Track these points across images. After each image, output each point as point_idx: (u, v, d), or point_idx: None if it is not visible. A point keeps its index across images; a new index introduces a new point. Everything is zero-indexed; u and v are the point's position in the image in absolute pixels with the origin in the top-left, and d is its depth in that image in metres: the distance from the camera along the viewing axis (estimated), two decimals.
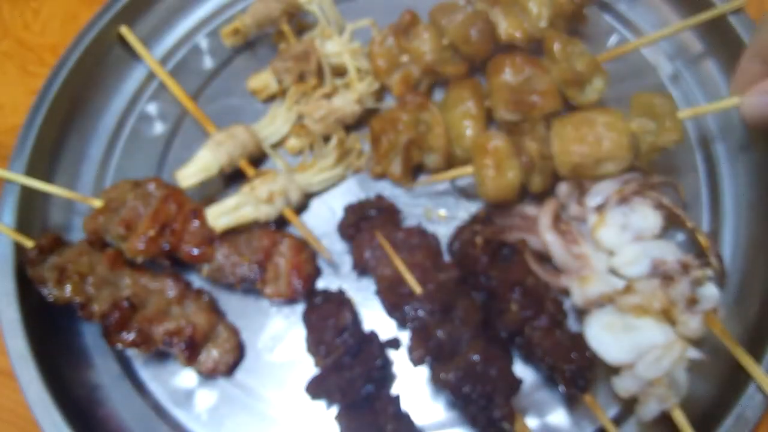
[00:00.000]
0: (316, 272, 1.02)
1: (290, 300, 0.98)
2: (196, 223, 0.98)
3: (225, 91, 1.19)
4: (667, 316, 0.85)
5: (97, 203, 1.01)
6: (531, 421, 0.89)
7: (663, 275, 0.86)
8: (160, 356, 0.98)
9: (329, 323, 0.92)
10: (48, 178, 1.07)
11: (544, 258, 0.95)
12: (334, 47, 1.13)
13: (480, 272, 0.91)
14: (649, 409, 0.82)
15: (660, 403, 0.82)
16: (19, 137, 1.06)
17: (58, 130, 1.11)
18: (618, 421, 0.89)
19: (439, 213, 1.06)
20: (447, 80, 1.11)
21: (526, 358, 0.92)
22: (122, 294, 0.96)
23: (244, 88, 1.18)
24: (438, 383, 0.84)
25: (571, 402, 0.91)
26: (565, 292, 0.92)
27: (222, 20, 1.26)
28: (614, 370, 0.85)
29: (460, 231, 0.98)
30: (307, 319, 0.95)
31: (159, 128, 1.17)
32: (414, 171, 1.08)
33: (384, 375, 0.91)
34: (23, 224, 1.01)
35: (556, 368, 0.85)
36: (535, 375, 0.92)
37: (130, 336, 0.91)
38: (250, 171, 1.05)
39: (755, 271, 0.96)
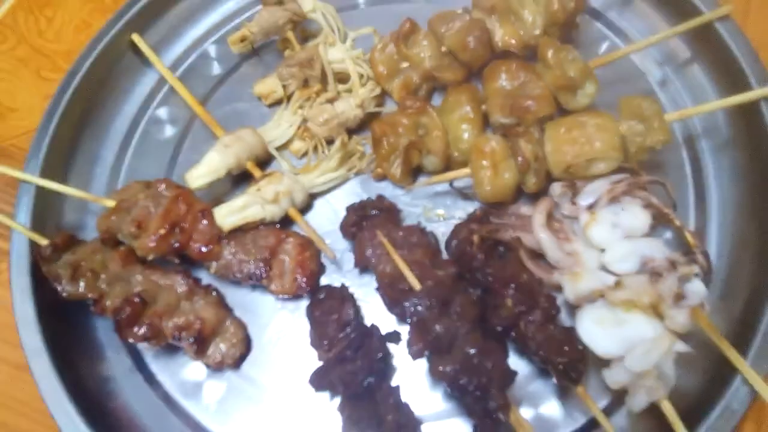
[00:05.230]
0: (320, 269, 1.04)
1: (295, 296, 1.01)
2: (204, 222, 1.00)
3: (232, 96, 1.22)
4: (655, 311, 0.87)
5: (110, 203, 1.03)
6: (525, 412, 0.91)
7: (651, 271, 0.88)
8: (170, 350, 1.00)
9: (332, 318, 0.94)
10: (62, 179, 1.09)
11: (538, 255, 0.97)
12: (337, 54, 1.16)
13: (476, 269, 0.94)
14: (638, 401, 0.84)
15: (649, 395, 0.84)
16: (34, 140, 1.09)
17: (72, 132, 1.14)
18: (609, 411, 0.92)
19: (438, 213, 1.09)
20: (445, 86, 1.14)
21: (520, 351, 0.94)
22: (134, 290, 0.98)
23: (251, 93, 1.21)
24: (436, 375, 0.86)
25: (564, 393, 0.93)
26: (558, 288, 0.94)
27: (229, 28, 1.29)
28: (605, 363, 0.87)
29: (458, 229, 1.00)
30: (311, 314, 0.97)
31: (169, 131, 1.20)
32: (413, 172, 1.11)
33: (384, 367, 0.93)
34: (38, 223, 1.04)
35: (549, 361, 0.87)
36: (530, 367, 0.95)
37: (141, 330, 0.93)
38: (256, 172, 1.08)
39: (740, 267, 0.99)
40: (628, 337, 0.85)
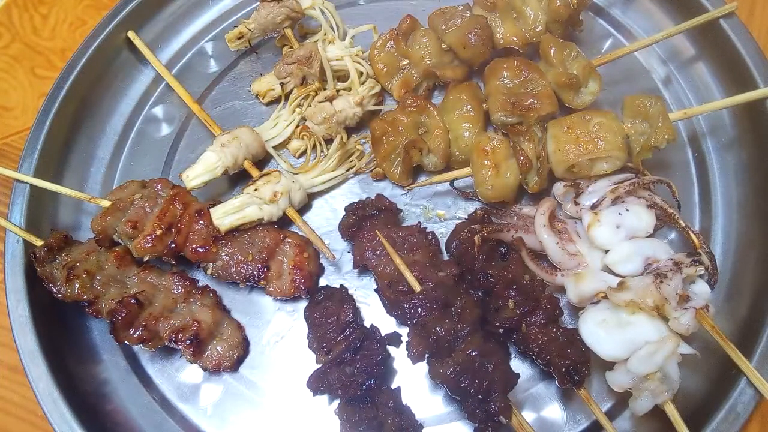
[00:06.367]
0: (319, 270, 1.03)
1: (293, 297, 0.99)
2: (201, 222, 1.00)
3: (229, 94, 1.21)
4: (659, 312, 0.86)
5: (105, 203, 1.02)
6: (527, 415, 0.90)
7: (656, 273, 0.87)
8: (167, 352, 0.99)
9: (331, 320, 0.93)
10: (57, 179, 1.09)
11: (540, 256, 0.96)
12: (335, 51, 1.15)
13: (478, 270, 0.93)
14: (642, 404, 0.84)
15: (653, 398, 0.83)
16: (29, 139, 1.08)
17: (67, 131, 1.13)
18: (612, 414, 0.91)
19: (438, 213, 1.08)
20: (446, 83, 1.13)
21: (522, 353, 0.93)
22: (129, 291, 0.97)
23: (248, 91, 1.20)
24: (437, 378, 0.85)
25: (567, 396, 0.92)
26: (561, 290, 0.94)
27: (227, 25, 1.28)
28: (608, 365, 0.86)
29: (459, 230, 0.99)
30: (309, 315, 0.96)
31: (165, 130, 1.19)
32: (413, 172, 1.10)
33: (384, 370, 0.92)
34: (33, 224, 1.03)
35: (551, 364, 0.86)
36: (532, 370, 0.94)
37: (136, 333, 0.92)
38: (254, 172, 1.07)
39: (745, 268, 0.98)
40: (631, 339, 0.84)
